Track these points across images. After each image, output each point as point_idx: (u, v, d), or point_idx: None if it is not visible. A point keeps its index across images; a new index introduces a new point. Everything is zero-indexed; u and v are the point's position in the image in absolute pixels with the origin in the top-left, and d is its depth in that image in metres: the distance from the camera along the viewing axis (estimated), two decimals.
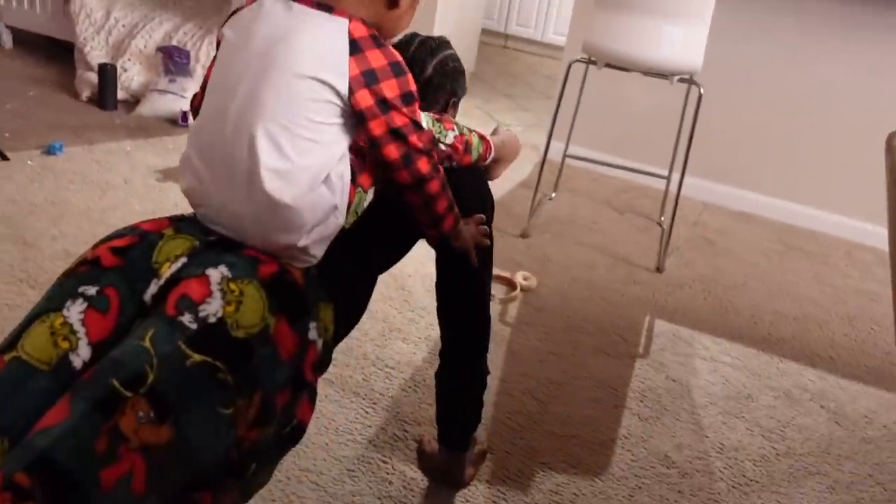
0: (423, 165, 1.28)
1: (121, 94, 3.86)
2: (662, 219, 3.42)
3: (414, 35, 1.65)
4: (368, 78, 1.18)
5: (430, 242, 1.50)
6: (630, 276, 2.98)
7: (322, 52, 1.17)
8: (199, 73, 3.85)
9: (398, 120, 1.22)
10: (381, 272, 1.56)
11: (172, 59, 3.76)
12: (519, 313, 2.59)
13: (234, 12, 1.28)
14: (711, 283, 3.02)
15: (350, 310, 1.42)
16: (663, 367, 2.41)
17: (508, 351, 2.36)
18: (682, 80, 2.89)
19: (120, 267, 1.15)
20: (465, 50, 5.08)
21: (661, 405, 2.22)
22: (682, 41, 2.80)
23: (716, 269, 3.16)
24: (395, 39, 1.42)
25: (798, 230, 3.73)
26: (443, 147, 1.47)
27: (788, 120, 3.70)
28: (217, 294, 1.11)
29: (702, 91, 2.87)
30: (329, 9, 1.19)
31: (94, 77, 3.83)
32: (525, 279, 2.75)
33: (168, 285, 1.13)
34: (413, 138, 1.25)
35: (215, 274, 1.13)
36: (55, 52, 4.47)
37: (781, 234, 3.64)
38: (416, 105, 1.26)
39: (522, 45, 6.82)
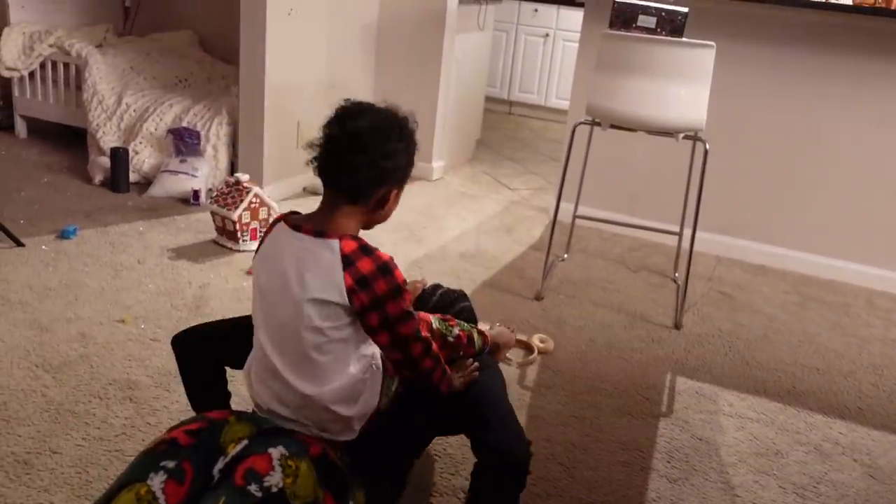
0: (414, 349, 1.50)
1: (133, 177, 3.92)
2: (677, 275, 3.40)
3: (437, 287, 1.99)
4: (361, 284, 1.41)
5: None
6: (648, 334, 2.94)
7: (322, 278, 1.42)
8: (210, 153, 3.91)
9: (392, 310, 1.44)
10: (412, 459, 1.72)
11: (183, 140, 3.83)
12: (538, 377, 2.55)
13: (262, 241, 1.56)
14: (731, 338, 2.98)
15: (382, 494, 1.59)
16: (688, 426, 2.35)
17: (529, 416, 2.31)
18: (687, 137, 2.91)
19: (194, 445, 1.37)
20: (470, 117, 5.15)
21: (689, 465, 2.16)
22: (685, 99, 2.83)
23: (735, 323, 3.12)
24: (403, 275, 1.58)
25: (815, 280, 3.69)
26: (450, 339, 1.70)
27: (797, 171, 3.71)
28: (278, 468, 1.33)
29: (707, 147, 2.89)
30: (323, 233, 1.44)
31: (106, 161, 3.90)
32: (542, 342, 2.72)
33: (233, 462, 1.35)
34: (401, 327, 1.46)
35: (275, 452, 1.36)
36: (68, 138, 4.56)
37: (798, 286, 3.61)
38: (406, 296, 1.47)
39: (526, 110, 6.92)
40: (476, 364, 1.72)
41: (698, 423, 2.38)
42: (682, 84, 2.82)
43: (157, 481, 1.30)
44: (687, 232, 3.14)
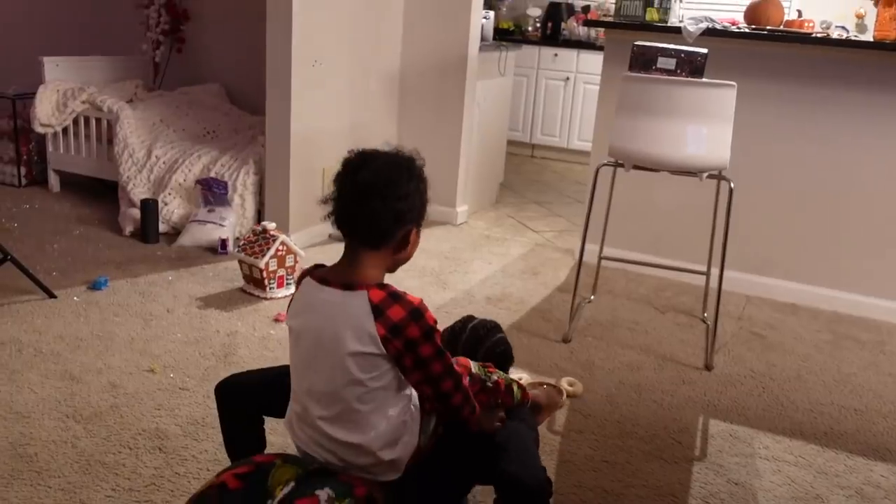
0: (445, 385, 1.52)
1: (162, 227, 3.98)
2: (706, 315, 3.36)
3: (467, 320, 2.06)
4: (394, 331, 1.45)
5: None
6: (679, 375, 2.90)
7: (356, 331, 1.45)
8: (237, 202, 3.97)
9: (424, 351, 1.47)
10: (456, 501, 1.74)
11: (211, 190, 3.89)
12: (567, 421, 2.52)
13: (292, 299, 1.60)
14: (764, 379, 2.93)
15: None
16: (723, 470, 2.30)
17: (560, 461, 2.28)
18: (711, 177, 2.90)
19: (242, 489, 1.42)
20: (492, 162, 5.18)
21: None
22: (707, 139, 2.83)
23: (767, 363, 3.07)
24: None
25: (847, 318, 3.63)
26: (489, 384, 1.74)
27: (824, 207, 3.67)
28: None
29: (732, 185, 2.88)
30: (351, 286, 1.47)
31: (136, 213, 3.96)
32: (570, 385, 2.69)
33: None
34: (433, 366, 1.49)
35: (323, 494, 1.40)
36: (100, 191, 4.65)
37: (831, 324, 3.55)
38: (438, 336, 1.50)
39: (549, 153, 6.95)
40: (503, 415, 1.73)
41: (733, 467, 2.32)
42: (704, 124, 2.82)
43: None
44: (714, 271, 3.11)
